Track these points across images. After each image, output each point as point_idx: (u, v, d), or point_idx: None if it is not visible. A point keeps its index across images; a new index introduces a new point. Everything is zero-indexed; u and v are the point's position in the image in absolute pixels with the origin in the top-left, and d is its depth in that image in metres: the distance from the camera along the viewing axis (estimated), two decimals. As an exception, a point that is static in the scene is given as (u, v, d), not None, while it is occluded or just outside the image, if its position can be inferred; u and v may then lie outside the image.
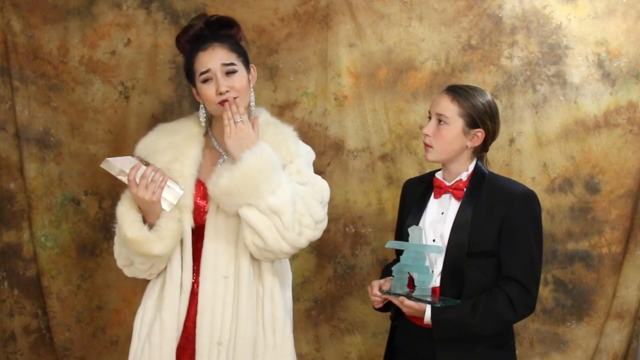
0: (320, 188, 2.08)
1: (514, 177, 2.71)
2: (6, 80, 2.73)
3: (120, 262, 2.02)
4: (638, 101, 2.68)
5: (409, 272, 1.97)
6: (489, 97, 2.08)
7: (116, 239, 1.99)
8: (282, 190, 1.89)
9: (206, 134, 2.07)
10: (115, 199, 2.54)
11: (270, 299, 2.01)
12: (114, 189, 2.70)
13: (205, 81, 1.98)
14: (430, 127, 2.04)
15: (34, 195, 2.72)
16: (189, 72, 2.04)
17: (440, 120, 2.03)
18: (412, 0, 2.72)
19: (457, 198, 2.03)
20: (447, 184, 2.06)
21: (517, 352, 2.70)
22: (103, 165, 1.91)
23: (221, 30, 2.05)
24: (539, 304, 2.72)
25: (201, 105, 2.04)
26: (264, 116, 2.10)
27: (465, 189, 2.03)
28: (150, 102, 2.75)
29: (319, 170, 2.72)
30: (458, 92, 2.05)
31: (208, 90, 1.97)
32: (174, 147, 2.00)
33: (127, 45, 2.74)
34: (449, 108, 2.03)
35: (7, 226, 2.76)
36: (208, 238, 1.95)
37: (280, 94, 2.75)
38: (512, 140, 2.72)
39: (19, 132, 2.72)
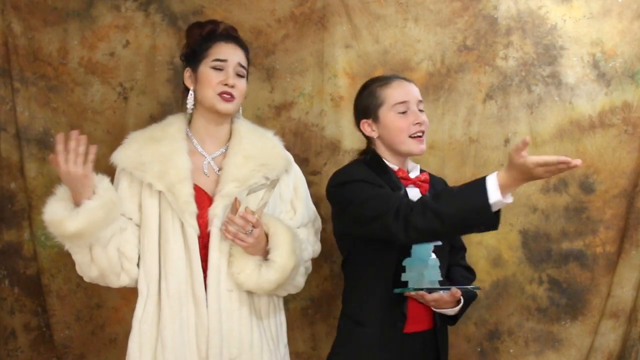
0: (317, 217, 2.25)
1: (509, 177, 2.74)
2: (7, 82, 2.75)
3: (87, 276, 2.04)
4: (633, 101, 2.69)
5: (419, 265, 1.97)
6: None
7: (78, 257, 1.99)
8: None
9: (186, 137, 2.07)
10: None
11: (274, 311, 2.12)
12: (113, 189, 2.73)
13: (216, 68, 2.03)
14: (422, 115, 2.04)
15: (34, 194, 2.75)
16: (195, 53, 2.06)
17: (420, 110, 2.06)
18: (407, 2, 2.74)
19: (423, 191, 2.05)
20: (411, 176, 2.07)
21: (512, 350, 2.75)
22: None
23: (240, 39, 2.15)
24: (533, 303, 2.74)
25: (190, 91, 2.06)
26: (245, 124, 2.14)
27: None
28: (148, 103, 2.77)
29: (315, 170, 2.76)
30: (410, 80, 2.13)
31: (216, 77, 2.02)
32: (161, 157, 1.99)
33: (126, 46, 2.76)
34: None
35: (8, 225, 2.78)
36: (213, 249, 1.97)
37: (277, 95, 2.77)
38: (507, 141, 2.73)
39: (19, 132, 2.75)
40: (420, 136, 2.03)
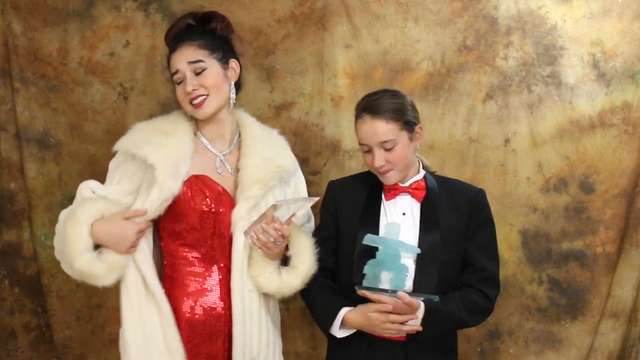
0: (311, 217, 2.24)
1: (509, 177, 2.73)
2: (7, 82, 2.76)
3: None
4: (633, 101, 2.69)
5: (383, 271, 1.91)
6: (396, 90, 2.03)
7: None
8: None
9: (195, 136, 2.06)
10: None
11: (274, 304, 2.13)
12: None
13: (178, 82, 1.99)
14: (379, 158, 1.93)
15: (34, 194, 2.75)
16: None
17: (387, 149, 1.93)
18: (407, 2, 2.74)
19: (417, 199, 2.01)
20: (402, 185, 2.02)
21: (512, 350, 2.75)
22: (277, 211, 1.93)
23: (204, 25, 2.05)
24: (533, 303, 2.74)
25: None
26: (253, 122, 2.15)
27: (426, 190, 2.02)
28: (148, 103, 2.77)
29: (315, 170, 2.76)
30: (382, 109, 1.93)
31: (179, 91, 1.99)
32: (170, 151, 1.96)
33: (126, 46, 2.77)
34: (391, 131, 1.92)
35: (8, 225, 2.79)
36: (236, 251, 1.97)
37: (277, 95, 2.78)
38: (507, 141, 2.73)
39: (19, 132, 2.75)
40: (384, 172, 1.98)
